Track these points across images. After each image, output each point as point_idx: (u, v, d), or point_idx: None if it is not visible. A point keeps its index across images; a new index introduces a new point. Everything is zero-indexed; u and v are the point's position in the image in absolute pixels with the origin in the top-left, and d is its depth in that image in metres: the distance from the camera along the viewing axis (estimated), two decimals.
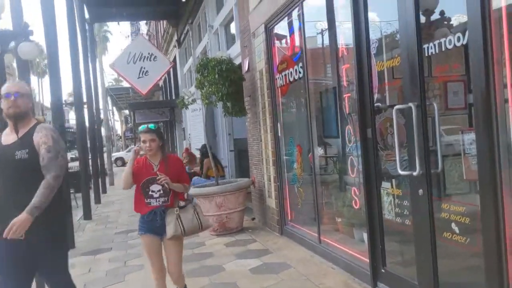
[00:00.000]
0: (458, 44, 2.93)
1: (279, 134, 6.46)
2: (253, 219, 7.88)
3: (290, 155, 6.14)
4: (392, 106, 4.17)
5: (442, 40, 3.07)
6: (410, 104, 3.27)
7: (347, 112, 4.72)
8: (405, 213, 3.72)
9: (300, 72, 5.55)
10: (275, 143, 6.54)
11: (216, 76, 6.92)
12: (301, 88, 5.66)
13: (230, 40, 10.14)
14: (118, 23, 16.54)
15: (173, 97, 19.76)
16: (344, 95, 4.78)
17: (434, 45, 3.16)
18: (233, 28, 9.77)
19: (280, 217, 6.55)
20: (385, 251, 3.97)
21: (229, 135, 10.90)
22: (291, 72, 5.82)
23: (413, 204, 3.45)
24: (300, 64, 5.53)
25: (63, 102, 22.52)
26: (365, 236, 4.88)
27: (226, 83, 6.98)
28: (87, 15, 15.14)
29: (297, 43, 5.73)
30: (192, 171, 9.62)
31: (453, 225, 3.14)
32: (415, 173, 3.25)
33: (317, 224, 5.36)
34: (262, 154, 7.10)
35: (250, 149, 7.88)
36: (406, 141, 3.48)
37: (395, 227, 3.93)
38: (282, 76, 6.11)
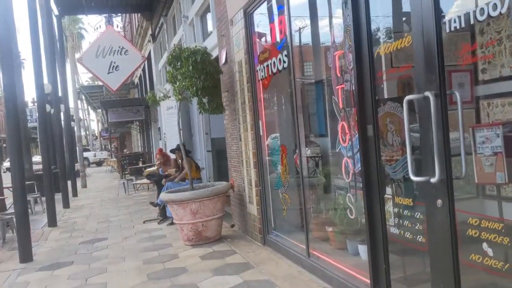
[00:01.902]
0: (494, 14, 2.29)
1: (261, 133, 5.78)
2: (233, 226, 7.18)
3: (274, 156, 5.46)
4: (395, 99, 3.56)
5: (471, 10, 2.42)
6: (427, 93, 2.62)
7: (341, 106, 4.07)
8: (417, 227, 3.08)
9: (284, 62, 4.87)
10: (256, 143, 5.85)
11: (190, 68, 6.20)
12: (285, 80, 5.00)
13: (207, 31, 9.41)
14: (87, 15, 15.58)
15: (146, 99, 18.92)
16: (337, 87, 4.12)
17: (459, 17, 2.51)
18: (209, 18, 9.05)
19: (263, 225, 5.87)
20: (389, 271, 3.32)
21: (206, 134, 10.17)
22: (274, 62, 5.14)
23: (429, 217, 2.80)
24: (285, 53, 4.86)
25: (32, 100, 21.44)
26: (360, 248, 4.26)
27: (201, 76, 6.26)
28: (54, 8, 14.22)
29: (281, 28, 5.05)
30: (166, 173, 8.85)
31: (484, 245, 2.50)
32: (433, 180, 2.61)
33: (305, 234, 4.70)
34: (242, 155, 6.41)
35: (228, 150, 7.18)
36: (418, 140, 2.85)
37: (402, 243, 3.29)
38: (264, 67, 5.43)
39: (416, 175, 2.77)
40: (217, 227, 6.45)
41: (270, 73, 5.30)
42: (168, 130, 13.16)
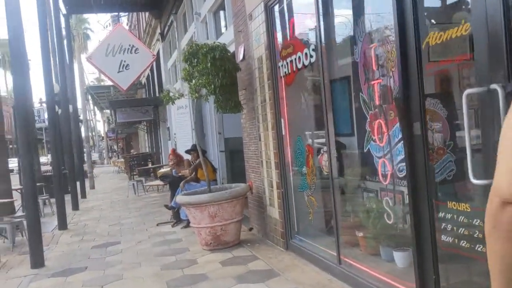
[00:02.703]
0: None
1: (283, 133, 5.50)
2: (251, 229, 6.90)
3: (298, 156, 5.18)
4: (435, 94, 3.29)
5: None
6: (494, 86, 2.33)
7: (377, 103, 3.78)
8: (476, 235, 2.78)
9: (311, 56, 4.59)
10: (278, 143, 5.58)
11: (209, 65, 5.93)
12: (312, 76, 4.72)
13: (220, 28, 9.15)
14: (96, 14, 15.37)
15: (157, 95, 18.67)
16: (373, 82, 3.84)
17: None
18: (223, 14, 8.78)
19: (285, 230, 5.59)
20: (440, 283, 3.02)
21: (220, 134, 9.90)
22: (299, 57, 4.85)
23: None
24: (312, 47, 4.58)
25: (39, 100, 21.28)
26: (396, 255, 3.97)
27: (219, 74, 6.00)
28: (62, 6, 14.00)
29: (307, 21, 4.77)
30: (180, 174, 8.58)
31: None
32: None
33: (336, 239, 4.41)
34: (261, 155, 6.14)
35: (246, 150, 6.91)
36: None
37: (456, 252, 2.99)
38: (287, 63, 5.15)
39: (476, 178, 2.48)
40: (236, 231, 6.17)
41: (294, 69, 5.01)
42: (179, 130, 12.92)
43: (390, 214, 3.80)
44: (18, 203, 10.56)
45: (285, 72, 5.24)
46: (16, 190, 10.29)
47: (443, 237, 3.04)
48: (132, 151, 41.36)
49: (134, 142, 47.30)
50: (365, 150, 4.41)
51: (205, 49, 5.99)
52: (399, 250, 3.93)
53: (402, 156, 3.76)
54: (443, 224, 3.00)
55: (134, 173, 20.00)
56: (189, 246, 6.44)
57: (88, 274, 5.64)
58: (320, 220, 5.10)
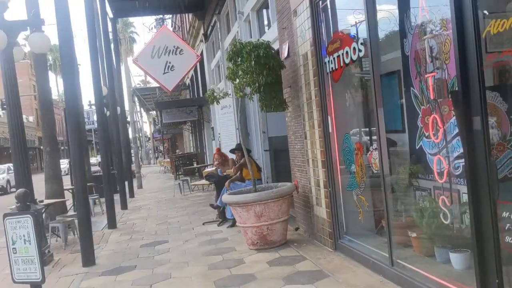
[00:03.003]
0: None
1: (330, 130, 5.36)
2: (297, 229, 6.80)
3: (347, 155, 5.03)
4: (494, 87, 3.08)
5: None
6: None
7: (432, 97, 3.60)
8: None
9: (360, 51, 4.44)
10: (324, 141, 5.45)
11: (253, 63, 5.87)
12: (361, 71, 4.57)
13: (263, 26, 9.09)
14: (141, 17, 15.65)
15: (201, 95, 18.86)
16: (426, 75, 3.66)
17: None
18: (266, 11, 8.72)
19: (333, 230, 5.46)
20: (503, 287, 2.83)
21: (264, 133, 9.84)
22: (346, 52, 4.71)
23: None
24: (361, 41, 4.43)
25: (88, 103, 21.97)
26: (453, 257, 3.78)
27: (264, 72, 5.92)
28: (109, 11, 14.38)
29: (354, 14, 4.62)
30: (225, 174, 8.59)
31: None
32: None
33: (388, 240, 4.24)
34: (307, 154, 6.02)
35: (291, 149, 6.81)
36: None
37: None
38: (334, 58, 5.02)
39: None
40: (283, 231, 6.09)
41: (341, 65, 4.87)
42: (223, 130, 12.97)
43: (446, 214, 3.61)
44: (69, 203, 10.92)
45: (332, 68, 5.11)
46: (67, 190, 10.64)
47: (507, 238, 2.84)
48: (177, 151, 42.14)
49: (179, 143, 48.16)
50: (417, 147, 4.23)
51: (249, 48, 5.94)
52: (456, 251, 3.74)
53: (458, 153, 3.57)
54: (508, 225, 2.81)
55: (180, 172, 20.31)
56: (236, 246, 6.42)
57: (137, 273, 5.72)
58: (370, 220, 4.94)
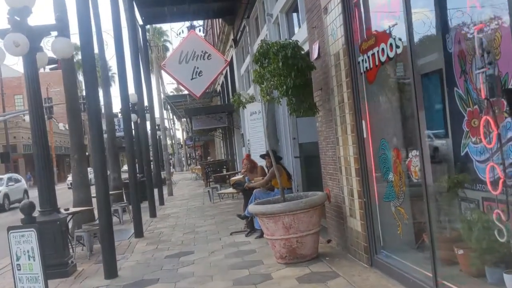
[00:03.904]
0: None
1: (365, 135, 4.94)
2: (329, 241, 6.37)
3: (383, 162, 4.59)
4: None
5: None
6: None
7: (483, 96, 3.14)
8: None
9: (398, 47, 4.02)
10: (358, 147, 5.02)
11: (280, 64, 5.52)
12: (399, 69, 4.14)
13: (293, 27, 8.74)
14: (170, 23, 15.56)
15: (231, 101, 18.66)
16: (477, 72, 3.20)
17: None
18: (295, 12, 8.36)
19: (369, 244, 5.01)
20: None
21: (294, 139, 9.44)
22: (382, 49, 4.29)
23: None
24: (398, 36, 4.00)
25: (120, 110, 22.07)
26: (508, 279, 3.29)
27: (292, 73, 5.56)
28: (138, 17, 14.33)
29: (391, 8, 4.21)
30: (253, 182, 8.23)
31: None
32: None
33: (431, 258, 3.78)
34: (340, 161, 5.60)
35: (322, 156, 6.40)
36: None
37: None
38: (368, 57, 4.61)
39: None
40: (313, 244, 5.67)
41: (376, 63, 4.46)
42: (252, 136, 12.65)
43: (502, 230, 3.13)
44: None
45: (366, 67, 4.69)
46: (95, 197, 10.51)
47: None
48: (209, 158, 42.13)
49: (211, 149, 48.21)
50: (462, 153, 3.77)
51: (275, 48, 5.59)
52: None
53: None
54: None
55: (210, 179, 20.11)
56: (263, 259, 6.03)
57: (160, 286, 5.42)
58: (410, 234, 4.48)
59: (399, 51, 4.01)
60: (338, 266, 5.22)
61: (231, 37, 15.61)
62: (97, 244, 8.22)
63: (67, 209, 8.17)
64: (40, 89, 6.53)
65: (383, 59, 4.32)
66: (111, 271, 6.05)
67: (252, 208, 5.88)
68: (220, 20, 16.72)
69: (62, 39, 6.46)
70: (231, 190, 10.41)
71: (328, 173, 6.21)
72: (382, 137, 4.63)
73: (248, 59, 13.47)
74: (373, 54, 4.50)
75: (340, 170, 5.61)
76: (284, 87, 5.61)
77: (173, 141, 60.46)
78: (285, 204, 5.53)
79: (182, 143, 65.11)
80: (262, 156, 8.09)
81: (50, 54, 7.26)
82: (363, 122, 4.94)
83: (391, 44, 4.12)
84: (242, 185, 8.40)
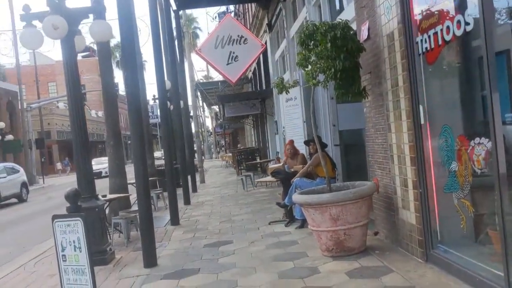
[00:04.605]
0: None
1: (422, 122, 4.58)
2: (376, 233, 6.05)
3: (445, 150, 4.23)
4: None
5: None
6: None
7: None
8: None
9: (468, 24, 3.64)
10: (414, 134, 4.68)
11: (328, 45, 5.19)
12: (469, 48, 3.77)
13: (335, 8, 8.35)
14: (205, 8, 15.33)
15: (264, 88, 18.33)
16: None
17: None
18: None
19: (425, 237, 4.68)
20: None
21: (334, 126, 9.10)
22: (447, 27, 3.91)
23: None
24: (468, 12, 3.63)
25: (153, 97, 22.13)
26: None
27: (341, 55, 5.22)
28: (173, 3, 14.13)
29: None
30: (292, 170, 7.96)
31: None
32: None
33: (504, 255, 3.43)
34: (391, 149, 5.26)
35: (370, 143, 6.06)
36: None
37: None
38: (429, 36, 4.23)
39: None
40: (362, 236, 5.38)
41: (439, 43, 4.08)
42: (288, 124, 12.34)
43: None
44: (133, 197, 10.74)
45: (426, 48, 4.32)
46: (132, 184, 10.46)
47: None
48: (239, 145, 42.03)
49: (241, 137, 48.14)
50: None
51: (324, 28, 5.26)
52: None
53: None
54: None
55: (242, 167, 19.95)
56: (307, 251, 5.78)
57: (201, 277, 5.23)
58: (475, 228, 4.13)
59: (468, 28, 3.63)
60: (389, 261, 4.91)
61: (265, 21, 15.25)
62: (134, 231, 8.14)
63: (104, 196, 8.10)
64: (78, 74, 6.40)
65: (447, 38, 3.94)
66: (150, 260, 5.91)
67: (297, 197, 5.62)
68: (254, 4, 16.36)
69: (100, 21, 6.30)
70: (269, 178, 10.15)
71: (377, 162, 5.87)
72: (444, 123, 4.26)
73: (283, 44, 13.12)
74: (435, 33, 4.12)
75: (392, 158, 5.27)
76: (332, 70, 5.28)
77: (203, 129, 60.68)
78: (333, 194, 5.24)
79: (211, 131, 65.30)
80: (306, 143, 7.79)
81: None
82: (421, 107, 4.58)
83: (458, 21, 3.74)
84: (281, 174, 8.13)
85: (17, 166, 21.20)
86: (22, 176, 20.46)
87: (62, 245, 3.37)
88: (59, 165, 45.31)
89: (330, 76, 5.39)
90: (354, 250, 5.29)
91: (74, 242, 3.27)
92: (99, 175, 25.55)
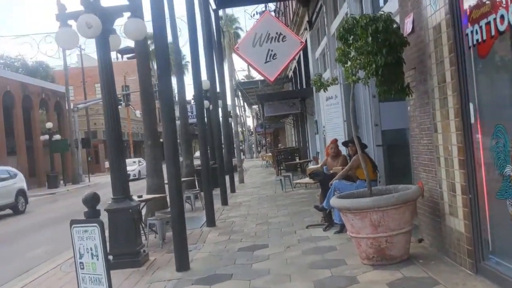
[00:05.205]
0: None
1: (473, 121, 4.19)
2: (420, 240, 5.66)
3: (499, 152, 3.83)
4: None
5: None
6: None
7: None
8: None
9: None
10: (464, 134, 4.28)
11: (369, 39, 4.86)
12: None
13: (377, 2, 7.96)
14: (244, 6, 15.18)
15: (304, 87, 17.99)
16: None
17: None
18: None
19: (474, 247, 4.28)
20: None
21: (376, 126, 8.68)
22: (501, 16, 3.52)
23: None
24: None
25: (193, 96, 22.17)
26: None
27: (383, 50, 4.88)
28: (212, 2, 14.04)
29: None
30: (331, 172, 7.62)
31: None
32: None
33: None
34: (437, 150, 4.87)
35: (415, 144, 5.68)
36: None
37: None
38: (481, 26, 3.84)
39: None
40: (405, 244, 5.01)
41: (492, 34, 3.69)
42: (328, 123, 11.97)
43: None
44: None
45: (477, 40, 3.93)
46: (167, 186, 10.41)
47: None
48: (279, 145, 41.74)
49: (281, 137, 47.85)
50: None
51: (364, 21, 4.93)
52: None
53: None
54: None
55: (281, 167, 19.66)
56: (346, 258, 5.45)
57: (233, 284, 5.03)
58: None
59: None
60: (435, 271, 4.53)
61: (306, 19, 14.91)
62: (169, 232, 8.04)
63: (140, 196, 8.06)
64: (113, 73, 6.34)
65: (501, 28, 3.54)
66: (182, 264, 5.77)
67: (335, 201, 5.31)
68: (294, 2, 16.06)
69: (134, 19, 6.20)
70: (307, 180, 9.84)
71: (422, 164, 5.48)
72: (497, 123, 3.85)
73: (324, 41, 12.76)
74: (487, 23, 3.73)
75: (438, 161, 4.88)
76: (373, 65, 4.94)
77: (244, 128, 60.81)
78: (374, 199, 4.90)
79: (252, 130, 65.35)
80: (345, 144, 7.45)
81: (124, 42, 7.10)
82: (471, 105, 4.19)
83: None
84: (320, 175, 7.82)
85: (13, 170, 17.55)
86: (18, 183, 16.77)
87: (79, 252, 3.23)
88: (107, 164, 46.47)
89: (371, 72, 5.06)
90: (396, 258, 4.93)
91: (91, 249, 3.11)
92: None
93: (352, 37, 5.26)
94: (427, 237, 5.51)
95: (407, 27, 5.35)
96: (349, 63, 5.39)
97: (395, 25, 5.16)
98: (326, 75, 11.94)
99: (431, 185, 5.19)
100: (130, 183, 6.98)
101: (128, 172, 28.73)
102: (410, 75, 5.46)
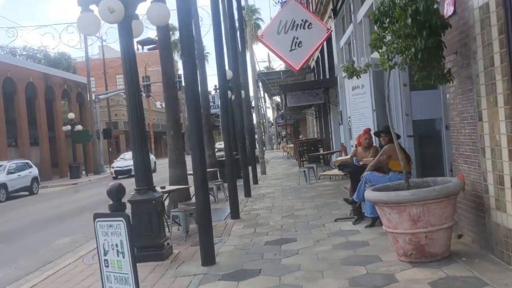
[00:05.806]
0: None
1: None
2: (460, 236, 5.33)
3: None
4: None
5: None
6: None
7: None
8: None
9: None
10: None
11: (409, 21, 4.52)
12: None
13: None
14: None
15: (327, 77, 17.58)
16: None
17: None
18: None
19: None
20: None
21: (407, 115, 8.29)
22: None
23: None
24: None
25: (214, 87, 21.99)
26: None
27: (423, 32, 4.53)
28: None
29: None
30: (361, 163, 7.30)
31: None
32: None
33: None
34: (482, 140, 4.53)
35: (455, 134, 5.33)
36: None
37: None
38: None
39: None
40: (446, 240, 4.69)
41: None
42: (354, 113, 11.60)
43: None
44: (193, 189, 10.53)
45: None
46: (191, 174, 10.22)
47: None
48: (300, 136, 41.36)
49: (302, 128, 47.37)
50: None
51: (404, 1, 4.58)
52: None
53: None
54: None
55: (304, 159, 19.34)
56: (380, 254, 5.16)
57: (262, 280, 4.79)
58: None
59: None
60: (480, 270, 4.22)
61: (330, 6, 14.48)
62: (193, 224, 7.86)
63: (163, 187, 7.89)
64: (135, 60, 6.12)
65: None
66: (208, 258, 5.55)
67: (370, 194, 5.01)
68: None
69: (157, 4, 5.97)
70: (336, 171, 9.53)
71: (462, 155, 5.14)
72: None
73: (349, 29, 12.35)
74: None
75: (483, 151, 4.54)
76: (412, 49, 4.60)
77: (264, 119, 60.50)
78: (414, 191, 4.58)
79: (272, 122, 64.97)
80: (377, 134, 7.12)
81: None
82: None
83: None
84: (349, 167, 7.50)
85: (29, 163, 22.81)
86: (34, 172, 22.24)
87: (104, 249, 3.00)
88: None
89: (409, 56, 4.71)
90: (437, 256, 4.62)
91: (116, 246, 2.88)
92: (128, 173, 24.18)
93: (388, 19, 4.93)
94: (468, 233, 5.18)
95: (448, 9, 4.99)
96: (384, 48, 5.06)
97: (435, 6, 4.80)
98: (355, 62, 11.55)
99: (474, 177, 4.85)
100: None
101: (130, 167, 28.12)
102: (451, 60, 5.11)
